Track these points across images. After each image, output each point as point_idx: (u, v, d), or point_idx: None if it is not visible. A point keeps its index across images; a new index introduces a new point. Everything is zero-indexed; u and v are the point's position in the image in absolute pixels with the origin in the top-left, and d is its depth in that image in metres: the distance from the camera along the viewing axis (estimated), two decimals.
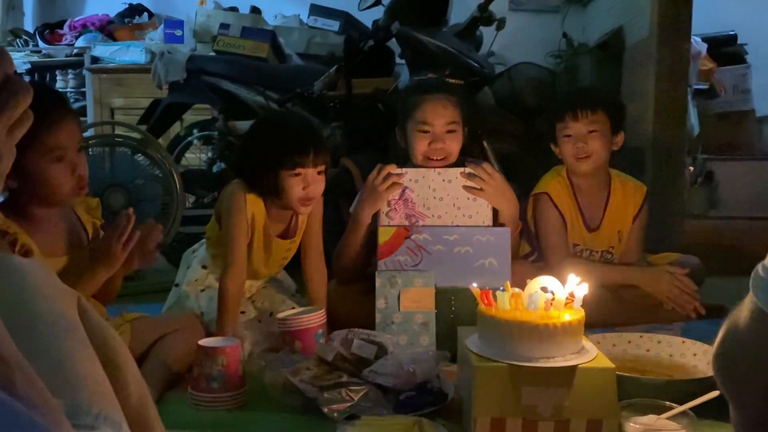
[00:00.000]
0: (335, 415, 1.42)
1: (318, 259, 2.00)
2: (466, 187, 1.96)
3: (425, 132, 2.00)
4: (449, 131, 2.00)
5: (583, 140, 2.13)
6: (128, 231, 1.55)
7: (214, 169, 3.17)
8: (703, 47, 3.69)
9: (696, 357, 1.66)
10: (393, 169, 1.97)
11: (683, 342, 1.70)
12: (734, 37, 4.06)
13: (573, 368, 1.28)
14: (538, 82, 3.20)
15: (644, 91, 3.07)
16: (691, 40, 3.16)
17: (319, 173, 1.83)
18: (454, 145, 2.01)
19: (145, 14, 4.70)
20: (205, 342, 1.59)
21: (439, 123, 1.99)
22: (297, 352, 1.73)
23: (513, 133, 2.88)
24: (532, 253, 2.28)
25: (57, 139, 1.50)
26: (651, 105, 3.01)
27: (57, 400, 0.57)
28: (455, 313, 1.86)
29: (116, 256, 1.55)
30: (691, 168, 3.42)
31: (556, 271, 1.70)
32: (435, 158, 2.01)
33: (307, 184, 1.81)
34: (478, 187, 1.95)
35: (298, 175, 1.80)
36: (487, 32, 3.18)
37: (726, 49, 3.97)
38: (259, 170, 1.82)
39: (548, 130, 2.25)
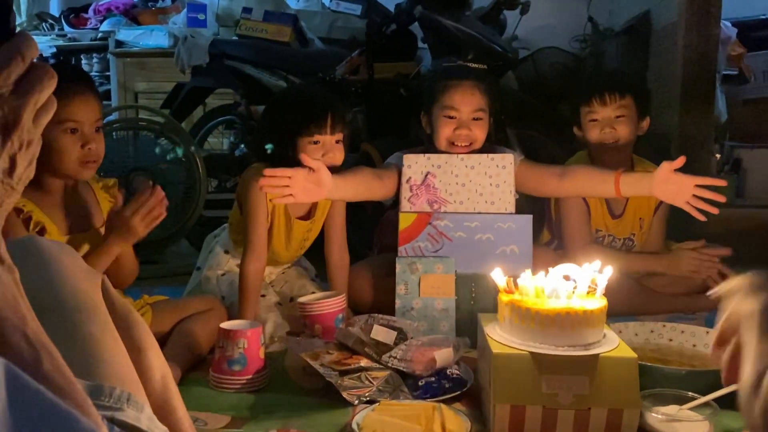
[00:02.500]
0: (355, 399, 1.43)
1: (340, 243, 2.00)
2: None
3: (451, 118, 1.98)
4: (475, 118, 1.98)
5: (610, 125, 2.10)
6: (149, 205, 1.56)
7: (237, 153, 3.19)
8: (733, 32, 3.60)
9: None
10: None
11: (707, 332, 1.68)
12: (765, 21, 3.95)
13: (595, 357, 1.27)
14: (562, 67, 3.15)
15: (671, 77, 3.01)
16: (721, 25, 3.09)
17: (337, 142, 1.84)
18: (479, 132, 1.99)
19: None
20: (226, 325, 1.61)
21: (466, 109, 1.98)
22: (317, 336, 1.74)
23: (536, 118, 2.84)
24: (553, 241, 2.26)
25: (70, 111, 1.52)
26: (678, 91, 2.95)
27: (81, 383, 0.58)
28: (475, 299, 1.86)
29: (134, 228, 1.55)
30: (718, 155, 3.36)
31: (577, 258, 1.69)
32: (459, 144, 1.99)
33: (326, 152, 1.82)
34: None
35: (316, 142, 1.81)
36: (510, 16, 3.14)
37: (756, 34, 3.87)
38: (278, 140, 1.84)
39: (572, 114, 2.21)
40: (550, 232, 2.27)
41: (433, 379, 1.49)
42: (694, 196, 1.78)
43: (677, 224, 2.27)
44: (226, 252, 2.02)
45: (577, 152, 2.25)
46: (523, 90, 3.14)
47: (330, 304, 1.79)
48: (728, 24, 3.52)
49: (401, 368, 1.51)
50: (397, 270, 1.87)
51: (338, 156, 1.85)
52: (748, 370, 0.68)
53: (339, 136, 1.85)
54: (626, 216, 2.22)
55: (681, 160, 1.79)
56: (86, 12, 4.80)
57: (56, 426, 0.45)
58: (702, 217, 1.79)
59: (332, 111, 1.83)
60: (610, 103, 2.09)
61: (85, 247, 1.61)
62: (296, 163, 1.83)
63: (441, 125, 2.00)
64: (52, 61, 4.38)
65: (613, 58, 3.49)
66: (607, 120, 2.10)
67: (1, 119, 0.55)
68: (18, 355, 0.54)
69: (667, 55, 3.10)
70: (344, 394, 1.43)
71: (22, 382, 0.45)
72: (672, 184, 1.81)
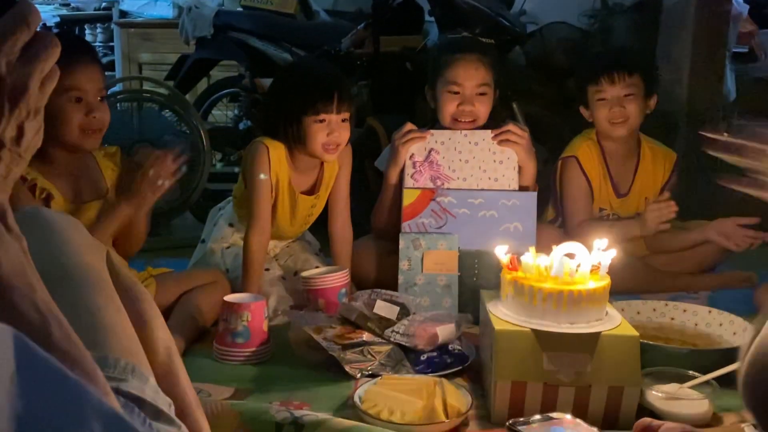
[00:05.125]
0: (357, 372, 1.44)
1: (344, 218, 2.00)
2: (501, 142, 1.95)
3: (455, 93, 1.97)
4: (480, 93, 1.97)
5: (619, 104, 2.07)
6: (156, 171, 1.58)
7: (241, 126, 3.17)
8: (745, 8, 3.54)
9: (722, 327, 1.64)
10: (413, 126, 1.98)
11: (709, 311, 1.68)
12: None
13: (596, 335, 1.27)
14: (570, 42, 3.11)
15: (680, 54, 2.97)
16: (732, 1, 3.04)
17: (343, 120, 1.83)
18: (483, 108, 1.98)
19: None
20: (230, 298, 1.62)
21: (469, 84, 1.96)
22: (320, 310, 1.75)
23: (543, 95, 2.82)
24: (557, 219, 2.25)
25: (74, 80, 1.52)
26: (687, 68, 2.92)
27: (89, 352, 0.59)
28: (478, 276, 1.86)
29: (142, 193, 1.58)
30: (726, 134, 3.33)
31: (574, 235, 1.68)
32: (463, 120, 1.98)
33: (331, 131, 1.81)
34: (515, 141, 1.93)
35: (322, 121, 1.80)
36: None
37: None
38: (283, 117, 1.83)
39: (579, 93, 2.19)
40: (554, 209, 2.27)
41: (434, 354, 1.50)
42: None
43: (684, 202, 2.26)
44: (231, 225, 2.02)
45: (584, 130, 2.23)
46: (530, 65, 3.10)
47: (333, 279, 1.80)
48: (740, 0, 3.47)
49: (403, 343, 1.52)
50: (400, 246, 1.87)
51: (344, 135, 1.84)
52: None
53: (345, 115, 1.83)
54: (632, 195, 2.21)
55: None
56: None
57: (65, 394, 0.45)
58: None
59: (339, 89, 1.81)
60: (618, 82, 2.06)
61: (91, 215, 1.61)
62: (299, 137, 1.82)
63: (445, 101, 1.98)
64: (55, 30, 4.35)
65: (622, 34, 3.44)
66: (616, 99, 2.07)
67: (9, 86, 0.55)
68: (27, 322, 0.55)
69: (677, 32, 3.06)
70: (347, 368, 1.44)
71: (30, 350, 0.46)
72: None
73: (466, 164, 1.97)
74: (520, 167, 1.97)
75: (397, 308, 1.61)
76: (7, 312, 0.54)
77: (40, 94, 0.58)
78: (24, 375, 0.44)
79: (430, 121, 2.10)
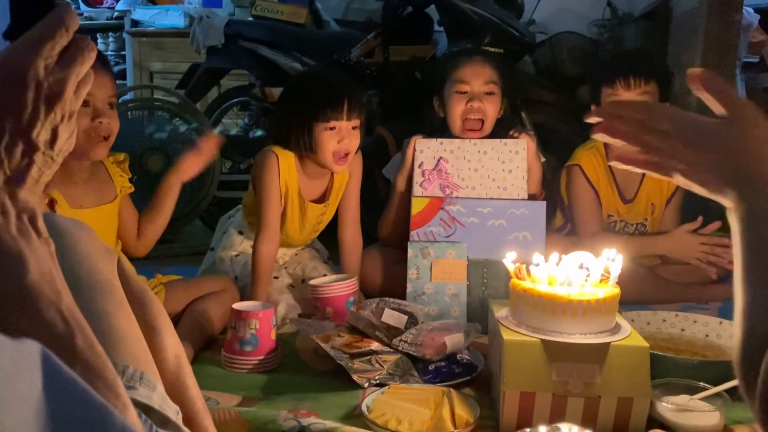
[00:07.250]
0: (365, 382, 1.44)
1: (354, 226, 2.01)
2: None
3: (463, 93, 1.98)
4: (487, 93, 1.97)
5: None
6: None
7: (251, 134, 3.19)
8: (755, 18, 3.54)
9: (733, 338, 1.62)
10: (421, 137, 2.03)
11: (720, 323, 1.67)
12: None
13: (606, 345, 1.27)
14: (580, 52, 3.11)
15: (690, 64, 2.97)
16: (743, 11, 3.04)
17: (353, 128, 1.83)
18: (491, 108, 1.98)
19: None
20: (239, 306, 1.62)
21: (477, 82, 1.97)
22: (329, 318, 1.75)
23: (552, 104, 2.82)
24: (566, 225, 2.24)
25: None
26: None
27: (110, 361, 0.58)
28: (487, 285, 1.86)
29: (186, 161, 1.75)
30: None
31: (586, 245, 1.68)
32: (472, 118, 1.98)
33: (342, 139, 1.82)
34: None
35: (332, 129, 1.81)
36: (528, 0, 3.10)
37: None
38: (294, 125, 1.83)
39: (592, 94, 2.15)
40: (563, 217, 2.26)
41: (443, 363, 1.50)
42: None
43: (694, 210, 2.25)
44: (240, 233, 2.03)
45: (590, 138, 2.21)
46: (539, 75, 3.11)
47: (341, 287, 1.80)
48: (750, 10, 3.46)
49: (411, 352, 1.52)
50: (408, 254, 1.87)
51: (354, 142, 1.85)
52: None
53: (355, 122, 1.84)
54: (638, 201, 2.20)
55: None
56: None
57: (89, 417, 0.44)
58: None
59: (349, 97, 1.82)
60: (634, 88, 2.03)
61: (99, 222, 1.62)
62: (310, 145, 1.83)
63: (453, 103, 1.99)
64: None
65: (632, 44, 3.44)
66: None
67: (46, 90, 0.55)
68: (52, 330, 0.54)
69: (687, 42, 3.05)
70: (354, 377, 1.44)
71: (57, 368, 0.45)
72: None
73: (475, 173, 1.97)
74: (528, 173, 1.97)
75: (406, 317, 1.61)
76: (33, 319, 0.54)
77: (75, 98, 0.58)
78: (50, 395, 0.43)
79: (439, 130, 2.10)
